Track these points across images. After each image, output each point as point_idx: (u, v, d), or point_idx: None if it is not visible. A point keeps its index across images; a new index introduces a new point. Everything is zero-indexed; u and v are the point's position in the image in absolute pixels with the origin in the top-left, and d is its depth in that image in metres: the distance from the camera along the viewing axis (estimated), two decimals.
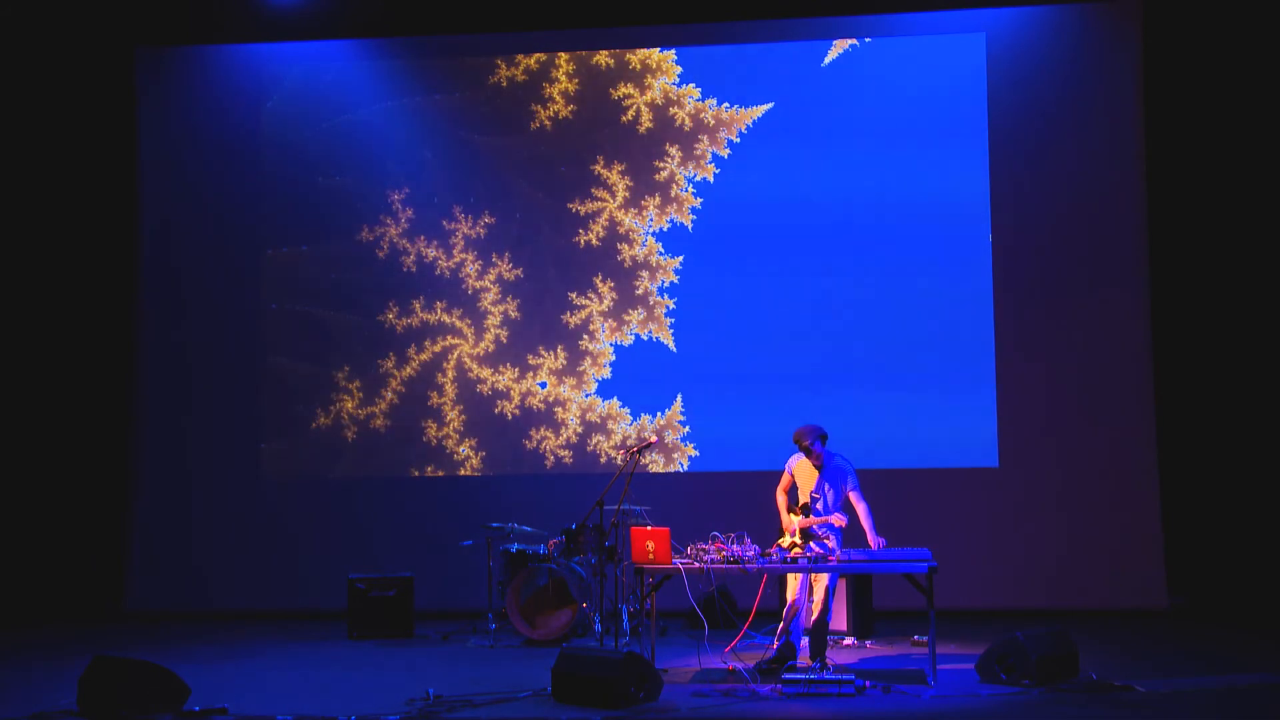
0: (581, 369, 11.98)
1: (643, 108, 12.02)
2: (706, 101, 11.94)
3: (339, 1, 12.08)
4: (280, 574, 11.99)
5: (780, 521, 8.45)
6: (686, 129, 11.95)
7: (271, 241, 12.36)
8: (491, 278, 12.16)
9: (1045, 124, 11.55)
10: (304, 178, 12.35)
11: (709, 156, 11.91)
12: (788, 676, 7.51)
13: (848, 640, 9.49)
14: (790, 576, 8.29)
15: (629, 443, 11.62)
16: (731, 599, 9.96)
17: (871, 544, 7.99)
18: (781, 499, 8.48)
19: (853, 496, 8.24)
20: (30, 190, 12.34)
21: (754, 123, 11.87)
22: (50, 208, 12.38)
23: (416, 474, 12.10)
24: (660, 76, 12.03)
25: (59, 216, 12.37)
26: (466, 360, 12.13)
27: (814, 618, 8.23)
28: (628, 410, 11.90)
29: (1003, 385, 11.42)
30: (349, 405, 12.20)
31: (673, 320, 11.90)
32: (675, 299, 11.91)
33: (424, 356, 12.18)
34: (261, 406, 12.28)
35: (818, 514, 8.19)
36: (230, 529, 12.17)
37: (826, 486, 8.24)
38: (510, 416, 12.04)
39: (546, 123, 12.15)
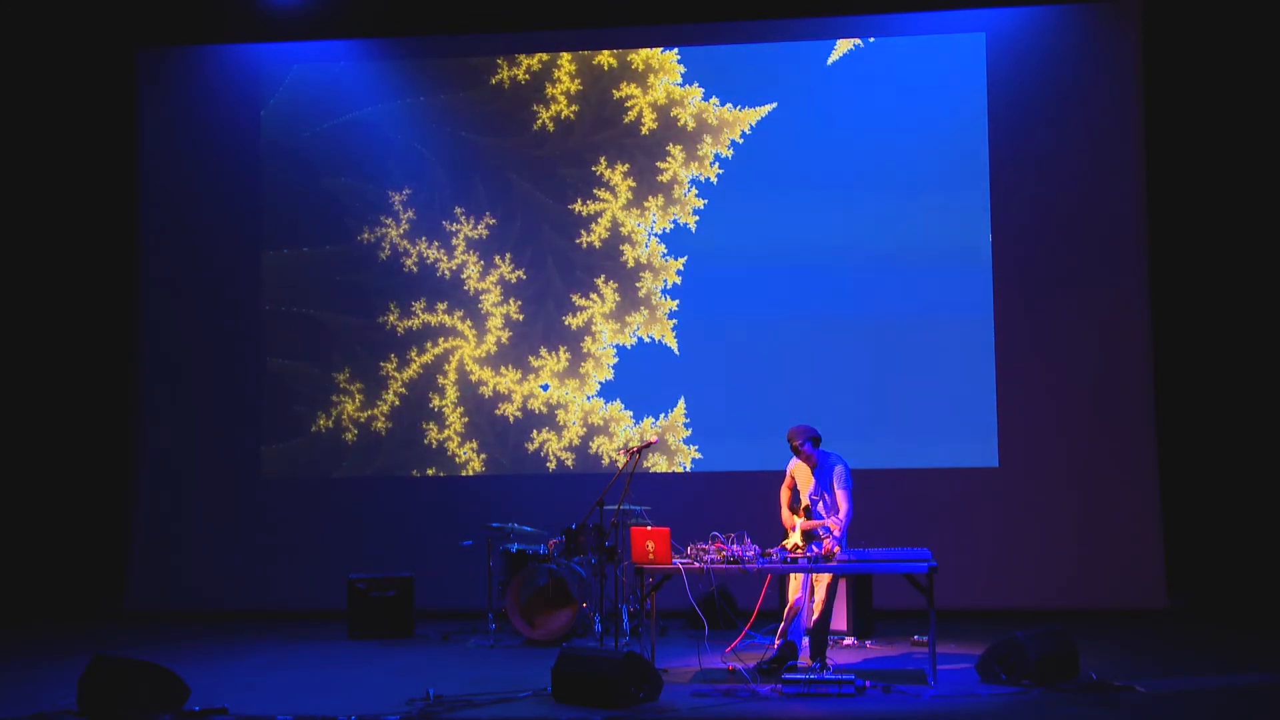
0: (583, 371, 11.98)
1: (645, 108, 12.02)
2: (710, 101, 11.94)
3: (339, 1, 12.09)
4: (280, 574, 12.00)
5: (781, 520, 8.45)
6: (689, 129, 11.95)
7: (272, 242, 12.37)
8: (493, 279, 12.15)
9: (1045, 123, 11.55)
10: (304, 178, 12.35)
11: (712, 157, 11.91)
12: (788, 676, 7.50)
13: (848, 640, 9.48)
14: (792, 577, 8.28)
15: (630, 443, 11.61)
16: (731, 599, 9.97)
17: (826, 545, 7.81)
18: (784, 497, 8.48)
19: (839, 493, 8.16)
20: (31, 191, 12.37)
21: (757, 123, 11.87)
22: (51, 209, 12.40)
23: (417, 474, 12.10)
24: (663, 76, 12.02)
25: (60, 217, 12.40)
26: (468, 362, 12.13)
27: (814, 618, 8.22)
28: (630, 412, 11.90)
29: (1003, 385, 11.42)
30: (350, 407, 12.20)
31: (675, 322, 11.90)
32: (678, 300, 11.90)
33: (425, 358, 12.18)
34: (261, 408, 12.28)
35: (819, 516, 8.18)
36: (230, 529, 12.17)
37: (823, 489, 8.23)
38: (512, 419, 12.03)
39: (548, 123, 12.15)
